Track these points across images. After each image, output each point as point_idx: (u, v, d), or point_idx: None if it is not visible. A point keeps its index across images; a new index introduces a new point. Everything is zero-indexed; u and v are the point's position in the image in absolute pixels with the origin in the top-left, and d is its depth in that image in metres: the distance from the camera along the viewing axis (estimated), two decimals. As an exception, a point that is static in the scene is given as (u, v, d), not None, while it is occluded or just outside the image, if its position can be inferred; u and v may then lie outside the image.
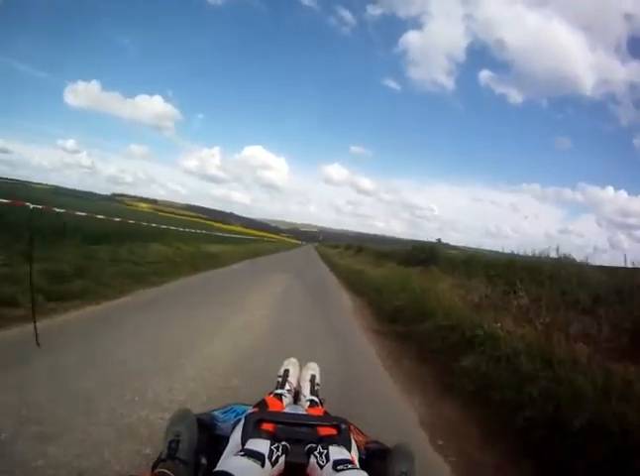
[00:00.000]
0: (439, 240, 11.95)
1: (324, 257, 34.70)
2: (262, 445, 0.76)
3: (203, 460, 0.93)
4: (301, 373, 1.49)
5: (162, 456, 0.89)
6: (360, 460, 0.88)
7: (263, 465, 0.71)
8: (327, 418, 0.93)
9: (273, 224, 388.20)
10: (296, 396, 1.35)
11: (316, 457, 0.76)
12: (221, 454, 0.86)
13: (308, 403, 1.27)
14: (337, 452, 0.77)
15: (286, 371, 1.46)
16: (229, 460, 0.75)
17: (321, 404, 1.27)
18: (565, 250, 6.37)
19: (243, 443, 0.80)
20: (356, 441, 0.93)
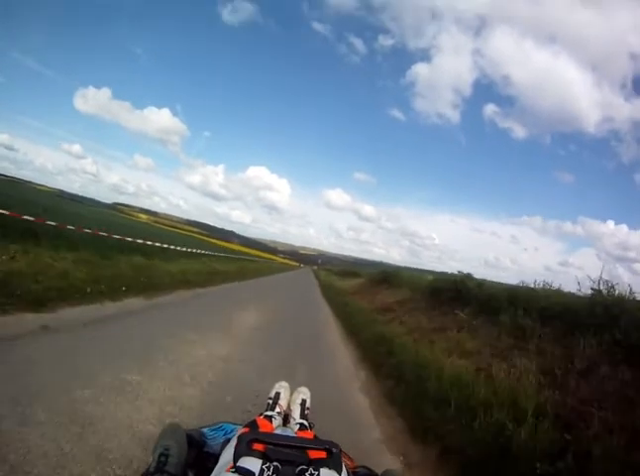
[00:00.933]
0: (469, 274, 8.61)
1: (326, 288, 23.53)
2: (253, 464, 0.76)
3: (191, 475, 0.93)
4: (292, 396, 1.50)
5: (151, 469, 0.90)
6: None
7: None
8: (318, 442, 0.93)
9: (272, 245, 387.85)
10: (286, 419, 1.35)
11: None
12: (209, 471, 0.87)
13: (298, 426, 1.27)
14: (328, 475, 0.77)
15: (277, 394, 1.47)
16: None
17: (310, 427, 1.28)
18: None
19: (235, 461, 0.81)
20: (345, 466, 0.94)
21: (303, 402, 1.47)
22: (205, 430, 1.16)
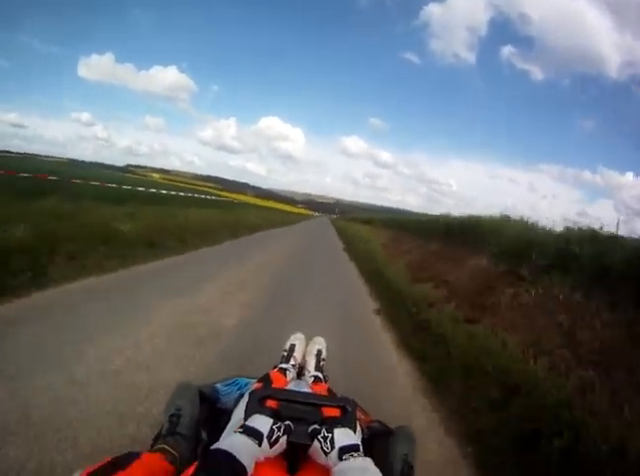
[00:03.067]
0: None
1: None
2: (263, 423, 0.75)
3: (203, 435, 0.94)
4: (307, 347, 1.50)
5: (163, 431, 0.90)
6: (361, 440, 0.87)
7: (260, 444, 0.70)
8: (334, 399, 0.92)
9: (289, 195, 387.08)
10: (300, 371, 1.36)
11: (320, 442, 0.75)
12: (222, 429, 0.87)
13: (312, 378, 1.27)
14: (342, 437, 0.76)
15: (292, 346, 1.47)
16: (227, 438, 0.75)
17: (325, 380, 1.28)
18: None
19: (245, 419, 0.79)
20: (359, 421, 0.92)
21: (319, 352, 1.46)
22: (218, 386, 1.17)
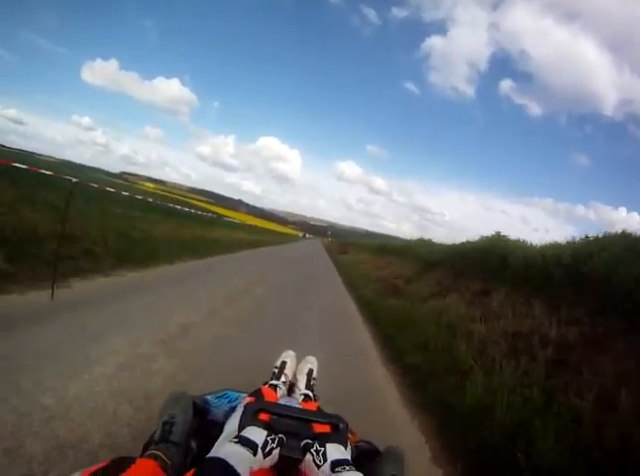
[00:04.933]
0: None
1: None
2: (257, 435, 0.77)
3: (193, 444, 0.96)
4: (298, 366, 1.52)
5: (155, 438, 0.92)
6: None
7: (254, 454, 0.72)
8: (325, 415, 0.94)
9: (282, 215, 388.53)
10: (291, 388, 1.37)
11: (313, 455, 0.78)
12: (212, 440, 0.88)
13: (302, 396, 1.29)
14: (334, 451, 0.78)
15: (283, 363, 1.49)
16: (222, 446, 0.77)
17: (315, 399, 1.30)
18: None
19: (239, 431, 0.82)
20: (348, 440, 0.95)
21: (310, 371, 1.48)
22: (209, 397, 1.19)
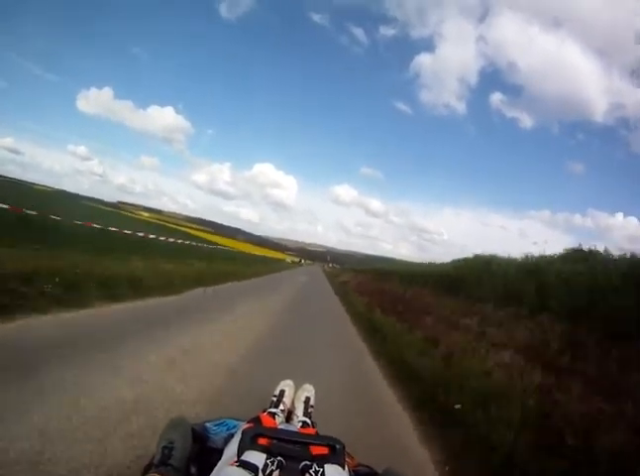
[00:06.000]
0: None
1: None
2: (257, 458, 0.80)
3: (193, 470, 0.98)
4: (296, 393, 1.55)
5: (155, 461, 0.94)
6: None
7: None
8: (322, 438, 0.96)
9: (281, 242, 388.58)
10: (289, 416, 1.40)
11: None
12: (212, 466, 0.91)
13: (300, 423, 1.32)
14: (333, 472, 0.81)
15: (282, 391, 1.52)
16: (223, 470, 0.79)
17: (313, 426, 1.32)
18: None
19: (239, 455, 0.84)
20: (346, 464, 0.97)
21: (307, 399, 1.51)
22: (208, 425, 1.21)
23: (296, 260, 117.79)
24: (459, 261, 10.34)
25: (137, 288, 7.52)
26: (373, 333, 7.82)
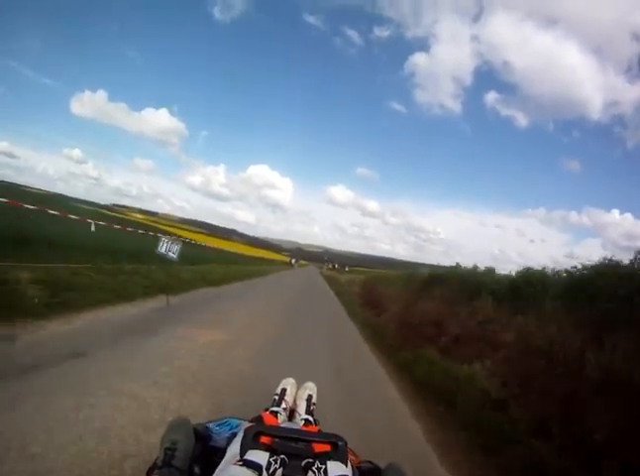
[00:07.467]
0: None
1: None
2: (260, 457, 0.81)
3: (197, 470, 0.98)
4: (298, 392, 1.55)
5: (158, 463, 0.94)
6: None
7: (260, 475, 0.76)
8: (324, 435, 0.97)
9: (277, 243, 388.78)
10: (291, 414, 1.40)
11: (314, 473, 0.80)
12: (214, 466, 0.91)
13: (303, 421, 1.32)
14: (335, 468, 0.82)
15: (283, 390, 1.53)
16: (227, 470, 0.80)
17: (316, 423, 1.33)
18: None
19: (242, 454, 0.85)
20: (349, 461, 0.97)
21: (309, 397, 1.52)
22: (211, 425, 1.20)
23: (287, 260, 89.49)
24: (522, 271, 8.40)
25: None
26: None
